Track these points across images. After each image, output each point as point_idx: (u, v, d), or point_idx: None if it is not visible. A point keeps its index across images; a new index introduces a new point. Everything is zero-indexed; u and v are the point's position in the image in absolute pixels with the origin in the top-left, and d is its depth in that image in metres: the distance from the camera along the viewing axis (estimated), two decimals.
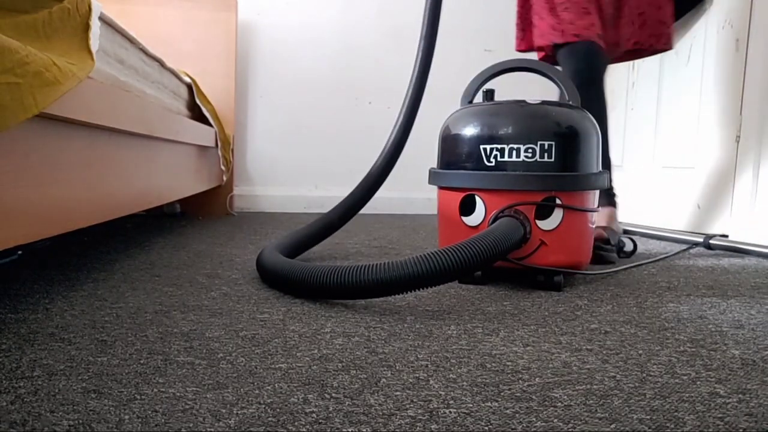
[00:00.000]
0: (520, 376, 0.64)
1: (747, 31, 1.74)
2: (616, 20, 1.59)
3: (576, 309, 0.94)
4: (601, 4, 1.54)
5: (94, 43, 0.89)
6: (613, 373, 0.65)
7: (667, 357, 0.72)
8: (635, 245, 1.51)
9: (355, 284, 0.87)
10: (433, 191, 1.25)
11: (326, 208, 2.49)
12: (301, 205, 2.53)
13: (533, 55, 1.69)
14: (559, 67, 1.51)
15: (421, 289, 0.89)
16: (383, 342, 0.75)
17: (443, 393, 0.59)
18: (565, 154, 1.10)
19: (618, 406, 0.56)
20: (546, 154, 1.08)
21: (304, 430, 0.50)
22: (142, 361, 0.65)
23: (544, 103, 1.16)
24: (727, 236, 1.71)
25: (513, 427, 0.52)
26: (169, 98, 1.66)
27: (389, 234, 1.86)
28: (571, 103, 1.21)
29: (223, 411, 0.53)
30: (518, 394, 0.59)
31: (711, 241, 1.66)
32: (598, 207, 1.22)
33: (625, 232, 2.05)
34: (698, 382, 0.63)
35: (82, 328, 0.76)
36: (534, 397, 0.58)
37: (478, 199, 1.10)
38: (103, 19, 0.98)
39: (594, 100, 1.40)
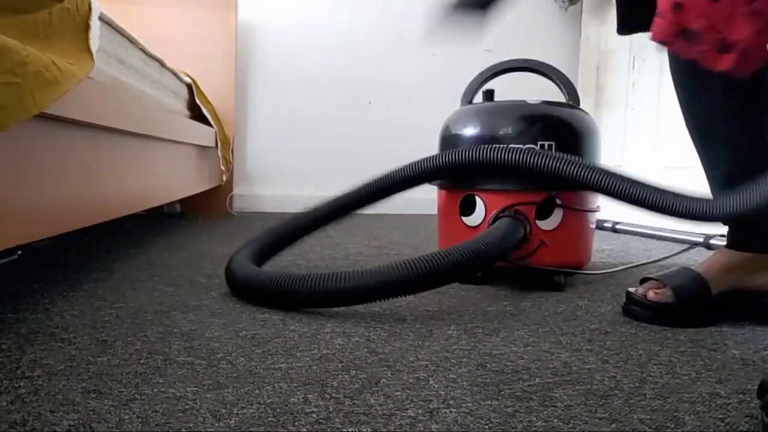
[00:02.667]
0: (521, 376, 0.64)
1: None
2: None
3: (576, 309, 0.94)
4: None
5: (94, 43, 0.88)
6: (613, 373, 0.65)
7: (667, 357, 0.72)
8: None
9: (348, 289, 0.86)
10: (433, 191, 1.25)
11: None
12: (301, 205, 2.52)
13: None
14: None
15: (419, 292, 0.89)
16: (383, 342, 0.75)
17: (443, 393, 0.59)
18: (565, 154, 1.09)
19: (618, 406, 0.56)
20: None
21: (305, 430, 0.50)
22: (142, 361, 0.65)
23: (544, 103, 1.16)
24: (725, 236, 1.70)
25: (513, 426, 0.52)
26: (169, 98, 1.66)
27: (389, 234, 1.86)
28: (571, 103, 1.21)
29: (223, 411, 0.53)
30: (518, 394, 0.59)
31: (711, 241, 1.66)
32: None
33: (624, 232, 2.05)
34: (698, 383, 0.63)
35: (82, 328, 0.76)
36: (534, 396, 0.58)
37: (478, 199, 1.10)
38: (103, 19, 0.98)
39: None
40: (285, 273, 0.90)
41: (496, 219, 1.06)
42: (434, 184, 1.21)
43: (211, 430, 0.49)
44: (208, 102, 2.06)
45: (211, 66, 2.24)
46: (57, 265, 1.17)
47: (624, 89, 2.32)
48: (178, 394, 0.56)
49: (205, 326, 0.79)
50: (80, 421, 0.50)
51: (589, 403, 0.57)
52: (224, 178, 2.21)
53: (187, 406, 0.54)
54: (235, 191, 2.39)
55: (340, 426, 0.51)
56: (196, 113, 1.98)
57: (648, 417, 0.54)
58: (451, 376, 0.63)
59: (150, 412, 0.52)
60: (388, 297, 0.87)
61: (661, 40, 0.79)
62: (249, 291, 0.93)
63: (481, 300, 1.00)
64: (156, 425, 0.50)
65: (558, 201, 1.08)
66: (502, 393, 0.59)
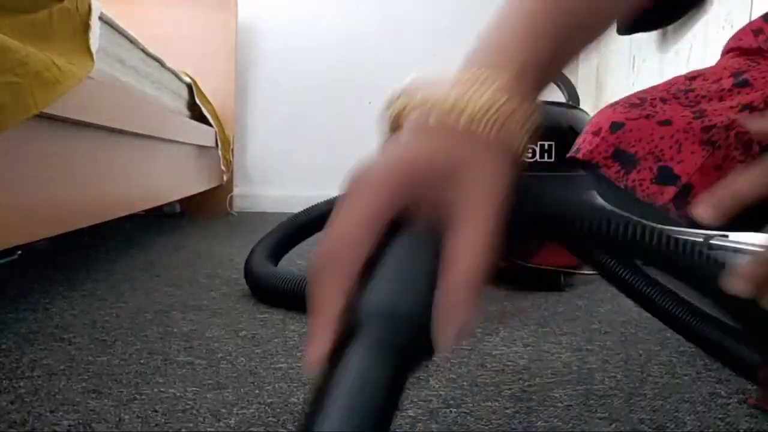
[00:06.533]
0: (521, 376, 0.64)
1: None
2: None
3: (576, 309, 0.94)
4: None
5: (94, 43, 0.88)
6: (613, 373, 0.65)
7: (667, 357, 0.71)
8: None
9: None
10: None
11: None
12: (301, 205, 2.53)
13: None
14: None
15: None
16: None
17: (444, 393, 0.59)
18: (565, 154, 1.09)
19: (618, 406, 0.56)
20: (546, 154, 1.08)
21: None
22: (142, 361, 0.65)
23: (543, 103, 1.16)
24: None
25: (513, 426, 0.52)
26: (169, 98, 1.66)
27: None
28: (571, 103, 1.21)
29: (223, 411, 0.53)
30: (519, 394, 0.59)
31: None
32: None
33: None
34: (699, 383, 0.63)
35: (82, 328, 0.76)
36: (534, 396, 0.58)
37: None
38: (103, 19, 0.98)
39: None
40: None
41: None
42: None
43: (211, 430, 0.49)
44: (208, 102, 2.06)
45: (211, 66, 2.24)
46: (57, 265, 1.17)
47: (624, 89, 2.32)
48: (178, 394, 0.56)
49: (205, 326, 0.79)
50: (80, 421, 0.50)
51: (589, 403, 0.57)
52: (224, 178, 2.21)
53: (187, 406, 0.54)
54: (235, 191, 2.39)
55: None
56: (196, 113, 1.98)
57: (648, 417, 0.54)
58: (451, 376, 0.63)
59: (150, 412, 0.52)
60: None
61: (590, 161, 0.69)
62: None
63: (482, 300, 0.99)
64: (156, 425, 0.50)
65: None
66: (502, 393, 0.59)
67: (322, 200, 1.18)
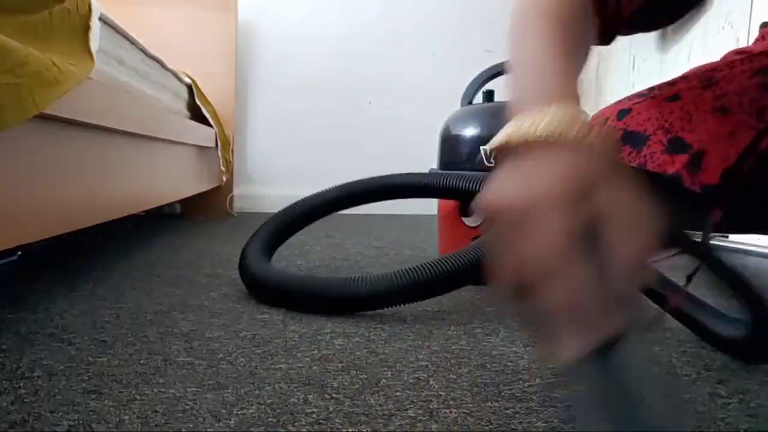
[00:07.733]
0: (521, 376, 0.64)
1: (747, 31, 1.74)
2: None
3: None
4: None
5: (94, 43, 0.88)
6: None
7: (668, 357, 0.71)
8: None
9: (360, 294, 0.86)
10: None
11: None
12: None
13: None
14: None
15: (426, 299, 0.88)
16: (383, 342, 0.75)
17: (443, 393, 0.59)
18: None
19: None
20: None
21: (305, 430, 0.50)
22: (142, 361, 0.65)
23: None
24: (727, 236, 1.71)
25: (513, 427, 0.52)
26: (170, 99, 1.66)
27: (389, 234, 1.86)
28: None
29: (223, 411, 0.53)
30: (518, 394, 0.59)
31: (710, 241, 1.65)
32: None
33: None
34: (699, 383, 0.63)
35: (82, 328, 0.76)
36: (534, 397, 0.58)
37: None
38: (103, 19, 0.98)
39: None
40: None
41: None
42: None
43: (211, 430, 0.49)
44: (208, 102, 2.06)
45: (211, 66, 2.24)
46: (57, 265, 1.17)
47: (624, 89, 2.32)
48: (178, 394, 0.56)
49: (205, 326, 0.79)
50: (80, 421, 0.50)
51: None
52: (224, 179, 2.21)
53: (187, 407, 0.54)
54: (235, 191, 2.39)
55: (340, 426, 0.51)
56: (197, 114, 1.98)
57: None
58: (451, 376, 0.63)
59: (150, 413, 0.52)
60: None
61: None
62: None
63: (481, 300, 0.99)
64: (156, 425, 0.50)
65: None
66: (503, 393, 0.59)
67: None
